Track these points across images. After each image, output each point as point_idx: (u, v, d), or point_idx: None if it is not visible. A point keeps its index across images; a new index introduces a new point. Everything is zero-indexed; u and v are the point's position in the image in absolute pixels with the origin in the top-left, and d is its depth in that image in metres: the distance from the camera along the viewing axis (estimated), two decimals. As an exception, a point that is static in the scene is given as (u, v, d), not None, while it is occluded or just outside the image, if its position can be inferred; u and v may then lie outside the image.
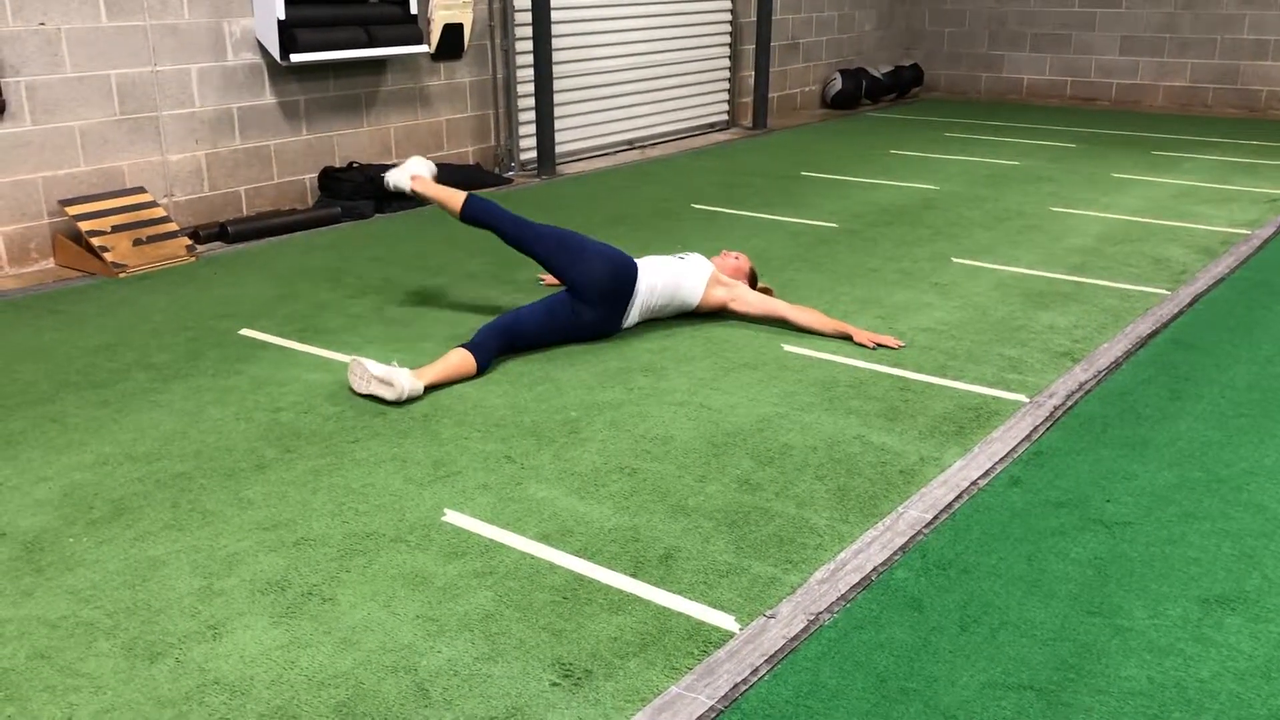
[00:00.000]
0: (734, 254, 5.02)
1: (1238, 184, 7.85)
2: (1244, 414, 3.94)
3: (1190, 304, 5.14)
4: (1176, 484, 3.43)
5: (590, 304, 4.51)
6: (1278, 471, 3.51)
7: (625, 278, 4.57)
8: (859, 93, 11.95)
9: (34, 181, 5.84)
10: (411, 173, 4.82)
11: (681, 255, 4.88)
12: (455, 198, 4.67)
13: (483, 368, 4.25)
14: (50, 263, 5.97)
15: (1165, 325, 4.85)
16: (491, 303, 5.19)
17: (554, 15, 8.37)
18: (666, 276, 4.71)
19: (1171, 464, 3.56)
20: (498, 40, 8.20)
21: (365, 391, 4.02)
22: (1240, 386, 4.18)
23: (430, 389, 4.10)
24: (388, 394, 3.97)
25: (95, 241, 5.75)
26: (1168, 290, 5.34)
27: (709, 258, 5.02)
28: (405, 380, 3.98)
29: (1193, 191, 7.62)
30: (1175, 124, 10.77)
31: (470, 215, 4.66)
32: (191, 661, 2.57)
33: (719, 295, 4.81)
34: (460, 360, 4.19)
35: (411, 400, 4.01)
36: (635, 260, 4.66)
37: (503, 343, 4.36)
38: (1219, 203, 7.25)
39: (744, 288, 4.87)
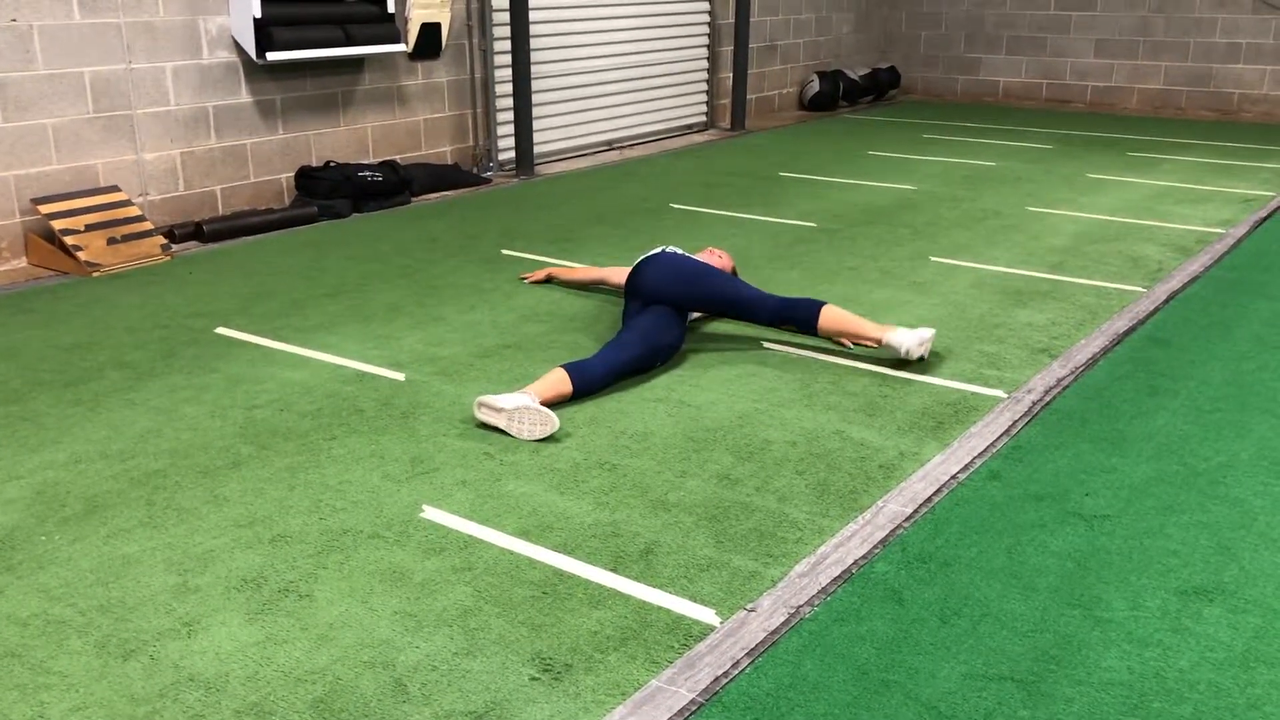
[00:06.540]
0: (717, 251, 5.01)
1: (1212, 184, 7.91)
2: (1219, 409, 3.96)
3: (1166, 301, 5.16)
4: (1154, 478, 3.44)
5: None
6: (1253, 465, 3.53)
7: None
8: (836, 94, 11.98)
9: (6, 180, 5.77)
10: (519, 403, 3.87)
11: (662, 249, 4.87)
12: (563, 385, 4.01)
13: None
14: (22, 262, 5.90)
15: (1142, 322, 4.87)
16: (470, 299, 5.16)
17: (532, 15, 8.36)
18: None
19: (1149, 458, 3.57)
20: (475, 40, 8.17)
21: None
22: (1215, 382, 4.21)
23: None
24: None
25: (69, 240, 5.68)
26: (1144, 288, 5.37)
27: (692, 254, 5.00)
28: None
29: (1168, 192, 7.67)
30: (1150, 126, 10.84)
31: (581, 390, 4.05)
32: (166, 659, 2.53)
33: None
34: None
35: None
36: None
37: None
38: (1194, 203, 7.30)
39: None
